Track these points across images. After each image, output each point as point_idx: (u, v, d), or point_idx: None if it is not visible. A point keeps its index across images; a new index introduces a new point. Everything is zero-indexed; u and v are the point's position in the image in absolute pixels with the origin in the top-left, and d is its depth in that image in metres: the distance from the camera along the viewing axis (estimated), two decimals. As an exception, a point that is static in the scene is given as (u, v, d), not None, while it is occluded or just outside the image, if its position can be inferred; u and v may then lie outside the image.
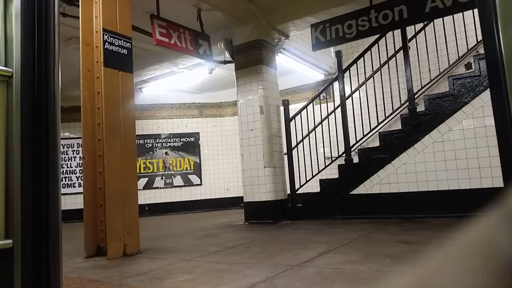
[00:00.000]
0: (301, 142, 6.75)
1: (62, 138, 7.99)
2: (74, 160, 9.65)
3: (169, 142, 10.29)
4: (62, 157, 9.49)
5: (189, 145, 10.41)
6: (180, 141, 10.34)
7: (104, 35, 3.83)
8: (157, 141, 10.21)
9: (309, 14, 6.07)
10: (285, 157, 6.50)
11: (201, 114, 10.61)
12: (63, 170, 9.50)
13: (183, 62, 7.68)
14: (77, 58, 4.04)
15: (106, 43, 3.84)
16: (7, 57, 1.43)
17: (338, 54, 6.36)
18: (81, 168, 8.36)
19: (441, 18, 5.38)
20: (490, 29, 1.06)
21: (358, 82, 6.44)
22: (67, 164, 9.61)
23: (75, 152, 9.66)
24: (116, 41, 3.92)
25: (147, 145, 10.11)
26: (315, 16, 6.05)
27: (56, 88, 1.53)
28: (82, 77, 3.96)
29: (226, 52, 6.65)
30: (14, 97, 1.37)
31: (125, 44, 4.00)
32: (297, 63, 7.94)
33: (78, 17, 3.96)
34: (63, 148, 9.57)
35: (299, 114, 6.67)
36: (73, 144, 9.63)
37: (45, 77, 1.50)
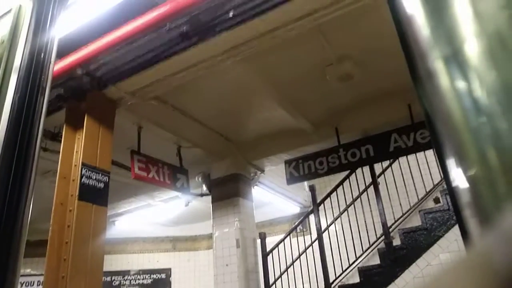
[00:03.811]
0: (279, 278, 6.45)
1: (22, 275, 7.37)
2: (31, 301, 8.75)
3: (138, 279, 9.61)
4: (17, 298, 8.59)
5: (160, 282, 9.72)
6: (150, 278, 9.69)
7: (83, 169, 3.90)
8: (125, 278, 9.53)
9: (282, 151, 6.44)
10: (262, 295, 6.11)
11: (174, 248, 10.22)
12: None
13: (160, 195, 7.71)
14: (51, 191, 4.02)
15: (84, 177, 3.88)
16: (-20, 191, 1.43)
17: (312, 188, 6.56)
18: (37, 310, 7.54)
19: (406, 157, 5.81)
20: (445, 167, 1.15)
21: (333, 215, 6.53)
22: (22, 305, 8.68)
23: (33, 292, 8.82)
24: (94, 175, 3.97)
25: (114, 283, 9.39)
26: (288, 153, 6.42)
27: (25, 222, 1.50)
28: (54, 210, 3.87)
29: (204, 185, 6.77)
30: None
31: (103, 178, 4.05)
32: (273, 196, 8.09)
33: (58, 152, 4.07)
34: (21, 286, 8.75)
35: (277, 248, 6.53)
36: (33, 282, 8.86)
37: (15, 211, 1.48)
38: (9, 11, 1.68)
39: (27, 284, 8.82)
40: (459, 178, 0.48)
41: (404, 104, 5.33)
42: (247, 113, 5.73)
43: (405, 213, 6.39)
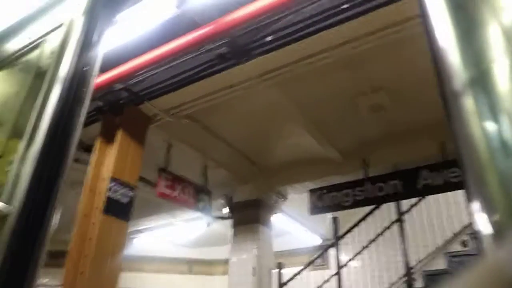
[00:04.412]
0: (295, 312, 6.24)
1: (38, 286, 7.42)
2: (45, 311, 8.77)
3: (152, 300, 9.51)
4: (32, 306, 8.63)
5: (173, 305, 9.60)
6: (164, 299, 9.58)
7: (110, 182, 3.95)
8: (139, 296, 9.45)
9: (307, 179, 6.36)
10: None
11: (190, 271, 10.11)
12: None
13: (182, 215, 7.70)
14: (77, 202, 4.08)
15: (110, 191, 3.93)
16: (11, 194, 1.46)
17: (335, 221, 6.42)
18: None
19: (435, 195, 5.62)
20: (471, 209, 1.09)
21: (355, 250, 6.32)
22: (36, 315, 8.70)
23: (48, 302, 8.85)
24: (120, 189, 4.02)
25: (127, 301, 9.32)
26: (313, 182, 6.33)
27: (48, 231, 1.50)
28: (78, 221, 3.92)
29: (226, 208, 6.73)
30: (3, 236, 1.34)
31: (129, 193, 4.09)
32: (294, 225, 7.95)
33: (88, 164, 4.15)
34: (36, 295, 8.79)
35: (293, 280, 6.35)
36: (49, 292, 8.90)
37: (40, 219, 1.49)
38: (61, 25, 1.75)
39: (43, 294, 8.88)
40: (482, 222, 0.45)
41: (437, 140, 5.19)
42: (275, 137, 5.72)
43: (430, 254, 6.12)
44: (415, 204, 6.24)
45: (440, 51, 0.59)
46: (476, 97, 0.52)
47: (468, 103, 0.52)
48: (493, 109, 0.49)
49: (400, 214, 5.76)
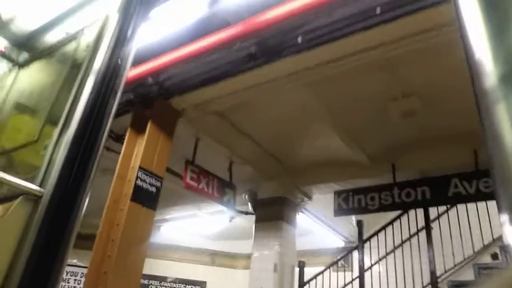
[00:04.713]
0: (313, 312, 6.22)
1: (68, 265, 7.76)
2: (74, 291, 9.15)
3: (173, 287, 9.73)
4: (62, 285, 9.04)
5: (194, 294, 9.79)
6: (185, 288, 9.78)
7: (139, 171, 4.07)
8: (162, 284, 9.69)
9: (333, 181, 6.31)
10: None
11: (213, 262, 10.26)
12: (58, 300, 8.92)
13: (206, 207, 7.83)
14: (107, 189, 4.23)
15: (138, 179, 4.05)
16: (44, 177, 1.54)
17: (359, 224, 6.33)
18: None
19: (465, 205, 5.44)
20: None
21: (379, 255, 6.22)
22: (65, 293, 9.10)
23: (76, 282, 9.23)
24: (148, 178, 4.14)
25: (150, 287, 9.57)
26: (339, 183, 6.27)
27: (79, 215, 1.58)
28: (107, 207, 4.07)
29: (249, 204, 6.79)
30: (36, 217, 1.41)
31: (156, 182, 4.21)
32: (317, 226, 7.92)
33: (119, 153, 4.29)
34: (66, 275, 9.20)
35: (315, 280, 6.33)
36: (77, 273, 9.28)
37: (72, 203, 1.57)
38: (97, 20, 1.83)
39: (71, 274, 9.26)
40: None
41: (470, 148, 5.03)
42: (302, 137, 5.71)
43: (457, 264, 5.94)
44: (444, 212, 6.06)
45: (472, 49, 0.58)
46: (507, 95, 0.50)
47: (499, 102, 0.51)
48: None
49: (428, 221, 5.62)
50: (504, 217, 0.45)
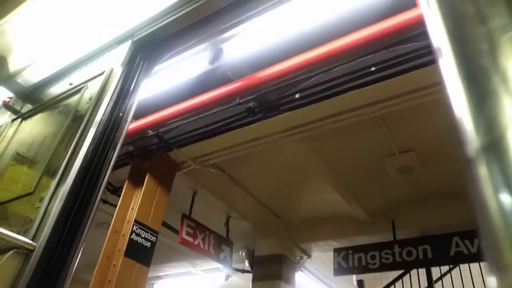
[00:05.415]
0: None
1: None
2: None
3: None
4: None
5: None
6: None
7: (134, 225, 3.99)
8: None
9: (332, 238, 6.18)
10: None
11: (207, 325, 9.72)
12: None
13: (202, 264, 7.58)
14: (100, 243, 4.12)
15: (134, 234, 3.96)
16: (38, 230, 1.50)
17: (360, 284, 6.10)
18: None
19: (468, 264, 5.28)
20: None
21: (381, 318, 5.93)
22: None
23: None
24: (143, 233, 4.04)
25: None
26: (338, 241, 6.14)
27: (71, 270, 1.52)
28: (100, 262, 3.93)
29: (246, 261, 6.58)
30: (26, 271, 1.36)
31: (151, 237, 4.10)
32: (317, 286, 7.61)
33: (115, 205, 4.23)
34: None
35: None
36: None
37: (64, 257, 1.51)
38: (102, 73, 1.90)
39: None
40: None
41: (469, 207, 4.98)
42: (300, 192, 5.67)
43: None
44: (447, 272, 5.87)
45: (456, 118, 0.61)
46: (489, 164, 0.52)
47: (482, 170, 0.52)
48: (507, 177, 0.49)
49: (431, 282, 5.42)
50: (492, 281, 0.45)
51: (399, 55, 2.88)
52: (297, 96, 3.14)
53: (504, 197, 0.47)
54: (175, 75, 3.12)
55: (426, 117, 3.95)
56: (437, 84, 2.80)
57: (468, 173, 0.56)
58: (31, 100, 2.16)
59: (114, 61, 1.90)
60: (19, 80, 2.24)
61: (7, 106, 2.18)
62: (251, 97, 3.31)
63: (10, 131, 2.11)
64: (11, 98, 2.23)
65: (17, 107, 2.16)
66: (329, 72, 3.01)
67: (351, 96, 3.05)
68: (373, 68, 2.84)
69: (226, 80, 3.18)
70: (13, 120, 2.14)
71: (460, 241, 5.05)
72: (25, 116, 2.10)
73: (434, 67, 2.67)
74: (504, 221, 0.46)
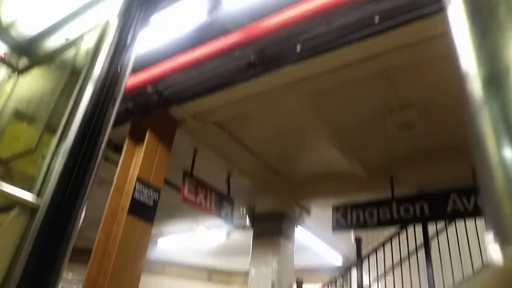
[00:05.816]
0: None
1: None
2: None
3: (169, 304, 9.56)
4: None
5: (190, 310, 9.61)
6: (181, 305, 9.60)
7: (137, 183, 4.03)
8: (157, 300, 9.51)
9: (331, 195, 6.27)
10: None
11: (209, 279, 10.11)
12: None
13: (203, 221, 7.74)
14: (104, 201, 4.17)
15: (136, 192, 4.00)
16: (42, 188, 1.50)
17: (358, 241, 6.26)
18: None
19: (464, 221, 5.40)
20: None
21: (378, 272, 6.14)
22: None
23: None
24: (145, 191, 4.09)
25: (146, 303, 9.40)
26: (337, 197, 6.23)
27: (76, 226, 1.54)
28: (104, 220, 4.00)
29: (247, 218, 6.72)
30: (32, 228, 1.38)
31: (154, 195, 4.15)
32: (315, 241, 7.83)
33: (117, 164, 4.25)
34: (60, 290, 9.00)
35: (312, 297, 6.23)
36: (72, 288, 9.08)
37: (69, 214, 1.53)
38: (96, 26, 1.83)
39: (66, 289, 9.08)
40: (495, 254, 0.41)
41: (468, 164, 5.01)
42: (300, 150, 5.68)
43: (457, 284, 5.86)
44: (443, 229, 6.01)
45: (459, 55, 0.59)
46: (490, 99, 0.50)
47: (483, 107, 0.50)
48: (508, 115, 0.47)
49: (427, 238, 5.56)
50: (490, 236, 0.44)
51: (403, 3, 2.76)
52: (298, 48, 3.04)
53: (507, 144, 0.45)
54: (173, 27, 3.01)
55: (425, 73, 3.87)
56: (442, 36, 2.72)
57: (468, 112, 0.53)
58: (27, 54, 2.10)
59: (110, 11, 1.83)
60: (13, 33, 2.17)
61: (3, 61, 2.12)
62: (252, 50, 3.21)
63: (8, 87, 2.07)
64: (6, 54, 2.17)
65: (13, 62, 2.11)
66: (332, 23, 2.89)
67: (353, 49, 2.95)
68: (377, 19, 2.72)
69: (225, 33, 3.07)
70: (10, 75, 2.09)
71: (457, 198, 5.13)
72: (22, 71, 2.05)
73: (440, 18, 2.58)
74: (505, 176, 0.44)
